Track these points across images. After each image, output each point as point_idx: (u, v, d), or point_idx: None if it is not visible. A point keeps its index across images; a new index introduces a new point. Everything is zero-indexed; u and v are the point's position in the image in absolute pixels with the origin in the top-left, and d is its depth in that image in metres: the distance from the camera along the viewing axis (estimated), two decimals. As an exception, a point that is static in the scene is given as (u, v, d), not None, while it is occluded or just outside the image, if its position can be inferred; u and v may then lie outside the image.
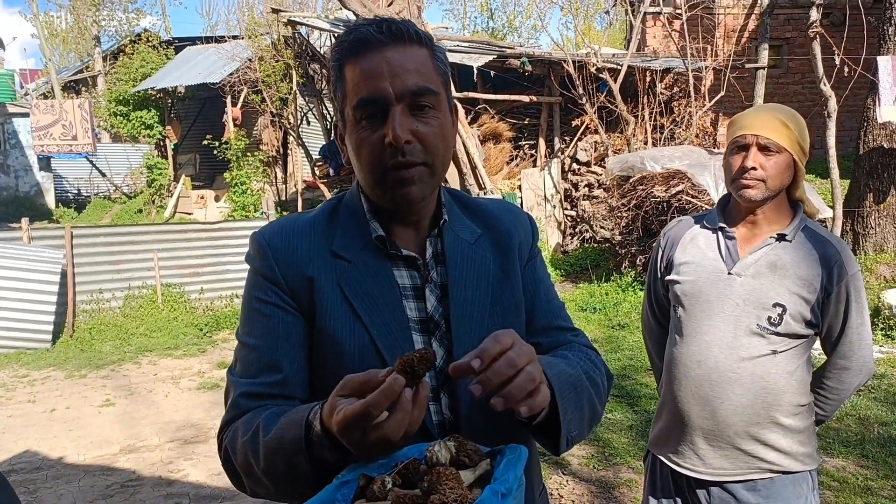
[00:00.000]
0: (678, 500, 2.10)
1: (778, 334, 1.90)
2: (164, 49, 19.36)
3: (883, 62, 7.59)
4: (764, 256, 1.93)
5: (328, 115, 14.23)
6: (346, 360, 1.13)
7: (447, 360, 1.17)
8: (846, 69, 7.91)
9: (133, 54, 18.77)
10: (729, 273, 1.96)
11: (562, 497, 3.98)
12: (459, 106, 10.65)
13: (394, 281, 1.17)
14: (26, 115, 17.88)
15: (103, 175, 20.64)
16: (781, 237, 1.94)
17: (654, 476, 2.17)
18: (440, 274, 1.20)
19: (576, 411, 1.07)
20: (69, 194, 20.35)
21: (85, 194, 20.55)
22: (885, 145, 7.93)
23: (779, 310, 1.89)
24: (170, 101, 17.93)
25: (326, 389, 1.14)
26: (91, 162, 20.19)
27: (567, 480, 4.17)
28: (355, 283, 1.16)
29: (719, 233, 2.02)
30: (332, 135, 13.60)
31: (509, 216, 1.32)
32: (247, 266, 1.24)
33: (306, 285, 1.16)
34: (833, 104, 7.80)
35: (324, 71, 13.88)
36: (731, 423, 1.93)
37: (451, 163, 8.48)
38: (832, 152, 7.83)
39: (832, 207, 7.80)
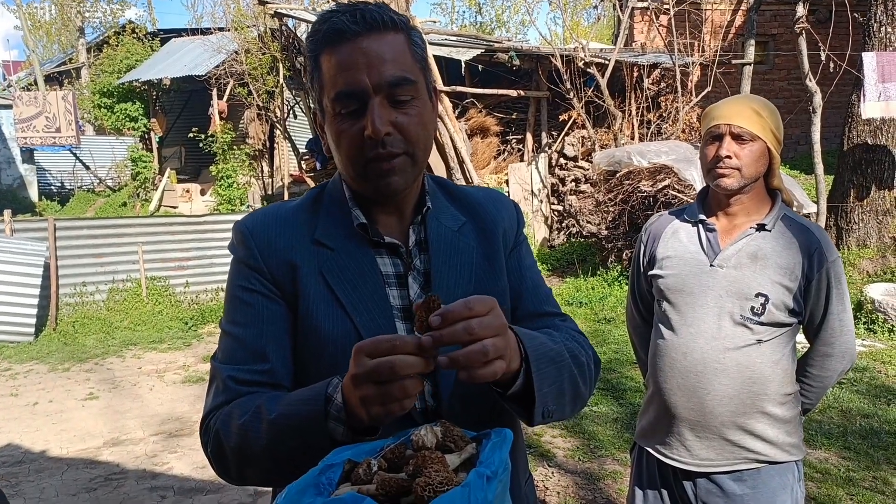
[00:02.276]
0: (664, 491, 2.11)
1: (762, 324, 1.91)
2: (149, 41, 19.23)
3: (868, 58, 7.64)
4: (745, 247, 1.95)
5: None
6: (329, 348, 1.13)
7: None
8: (832, 65, 7.97)
9: (117, 46, 18.64)
10: (711, 265, 1.97)
11: (547, 489, 3.99)
12: (445, 98, 10.66)
13: (377, 269, 1.16)
14: (9, 106, 17.67)
15: (87, 168, 20.47)
16: (761, 227, 1.95)
17: (641, 468, 2.18)
18: (423, 262, 1.20)
19: (553, 385, 1.06)
20: (52, 187, 20.16)
21: (69, 187, 20.37)
22: (868, 141, 8.00)
23: (761, 299, 1.90)
24: (155, 93, 17.80)
25: (308, 378, 1.13)
26: (75, 155, 20.02)
27: (553, 472, 4.18)
28: (338, 271, 1.15)
29: (700, 225, 2.04)
30: (313, 123, 13.54)
31: (494, 204, 1.32)
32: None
33: (289, 273, 1.15)
34: (818, 100, 7.86)
35: (311, 64, 13.80)
36: (718, 414, 1.94)
37: (439, 157, 8.46)
38: (817, 148, 7.88)
39: (816, 203, 7.86)
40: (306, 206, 1.23)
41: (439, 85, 10.64)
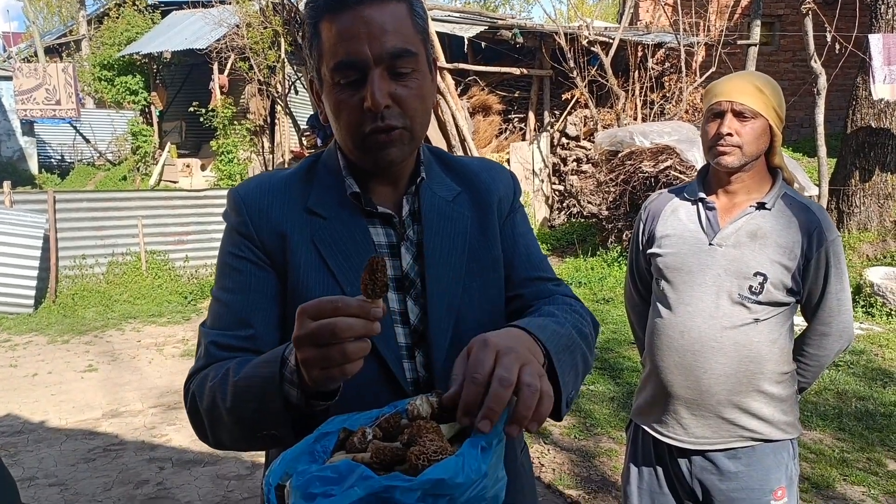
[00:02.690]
0: (659, 468, 2.12)
1: (760, 303, 1.90)
2: (149, 13, 19.03)
3: (874, 40, 7.58)
4: (744, 225, 1.94)
5: (316, 84, 14.06)
6: None
7: (422, 317, 1.16)
8: (837, 47, 7.90)
9: (118, 18, 18.45)
10: (710, 244, 1.96)
11: (543, 466, 4.02)
12: (448, 75, 10.59)
13: (369, 238, 1.16)
14: (9, 78, 17.56)
15: (87, 141, 20.38)
16: (761, 205, 1.94)
17: (636, 445, 2.18)
18: (417, 232, 1.19)
19: (571, 372, 1.05)
20: (52, 160, 20.09)
21: (68, 160, 20.30)
22: (872, 124, 7.96)
23: (760, 278, 1.89)
24: (155, 66, 17.67)
25: None
26: (75, 128, 19.92)
27: (548, 449, 4.21)
28: (330, 241, 1.14)
29: (699, 204, 2.02)
30: (310, 92, 13.46)
31: (489, 172, 1.31)
32: None
33: (280, 242, 1.15)
34: (823, 82, 7.80)
35: (312, 39, 13.68)
36: (714, 392, 1.95)
37: (441, 135, 8.42)
38: (820, 130, 7.84)
39: (818, 185, 7.83)
40: (301, 174, 1.22)
41: (442, 62, 10.57)
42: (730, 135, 1.89)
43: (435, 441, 0.85)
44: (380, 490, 0.75)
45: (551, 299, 1.24)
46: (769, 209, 1.94)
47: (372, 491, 0.75)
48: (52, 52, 22.63)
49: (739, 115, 1.90)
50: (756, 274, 1.90)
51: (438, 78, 9.24)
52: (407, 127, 1.10)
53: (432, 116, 1.19)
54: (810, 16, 7.98)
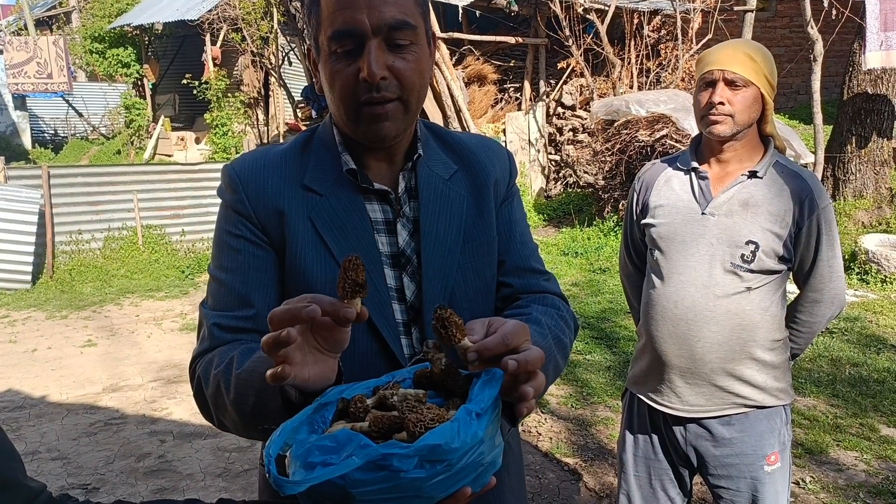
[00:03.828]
0: (654, 436, 2.15)
1: (752, 271, 1.92)
2: (140, -17, 18.75)
3: (871, 5, 7.50)
4: (736, 194, 1.95)
5: (310, 55, 13.93)
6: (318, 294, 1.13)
7: (418, 294, 1.17)
8: (834, 12, 7.82)
9: (108, -11, 18.19)
10: (703, 213, 1.98)
11: (540, 434, 4.07)
12: (443, 45, 10.50)
13: (366, 215, 1.16)
14: (-1, 52, 17.38)
15: (80, 115, 20.21)
16: (753, 174, 1.95)
17: (632, 413, 2.22)
18: (413, 209, 1.19)
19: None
20: (46, 135, 19.93)
21: (62, 135, 20.14)
22: (868, 91, 7.92)
23: (751, 247, 1.91)
24: (147, 38, 17.48)
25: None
26: (67, 101, 19.74)
27: (545, 418, 4.26)
28: (326, 217, 1.14)
29: (692, 173, 2.04)
30: (307, 61, 13.34)
31: (487, 152, 1.30)
32: None
33: (277, 219, 1.15)
34: (819, 48, 7.74)
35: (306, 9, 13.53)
36: (708, 361, 1.97)
37: (436, 105, 8.35)
38: (816, 97, 7.79)
39: (814, 153, 7.82)
40: (296, 149, 1.21)
41: (436, 32, 10.46)
42: (721, 103, 1.90)
43: (432, 409, 0.86)
44: (377, 458, 0.76)
45: (540, 298, 1.25)
46: (761, 178, 1.95)
47: (370, 458, 0.76)
48: (42, 24, 22.33)
49: (731, 83, 1.90)
50: (748, 242, 1.92)
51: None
52: (402, 99, 1.09)
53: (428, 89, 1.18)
54: (808, -19, 7.89)
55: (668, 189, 2.08)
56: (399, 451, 0.77)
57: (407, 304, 1.17)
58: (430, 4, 1.16)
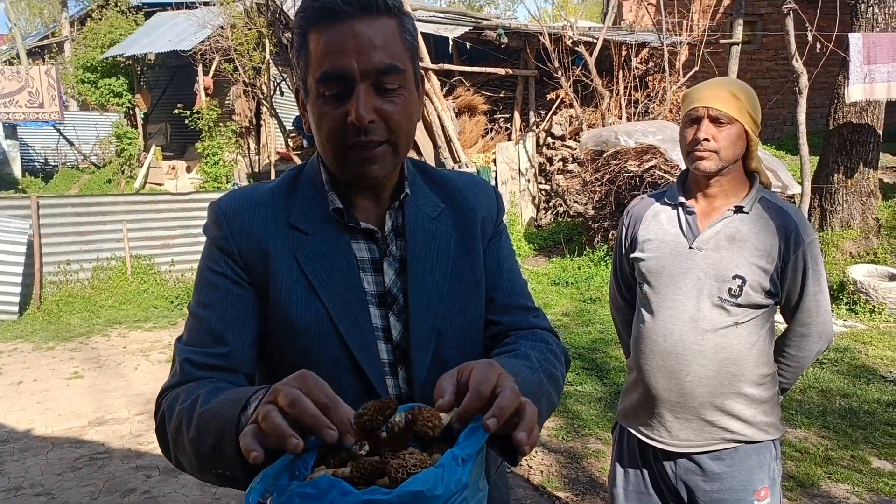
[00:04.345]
0: (645, 470, 2.14)
1: (739, 305, 1.93)
2: (132, 14, 18.88)
3: (854, 39, 7.64)
4: (723, 229, 1.97)
5: (302, 86, 14.02)
6: (302, 334, 1.12)
7: (404, 333, 1.16)
8: (819, 46, 7.96)
9: (101, 20, 18.30)
10: (690, 247, 1.99)
11: (531, 468, 4.03)
12: (433, 76, 10.59)
13: (352, 254, 1.15)
14: (-9, 81, 17.39)
15: (71, 144, 20.22)
16: (739, 209, 1.98)
17: (622, 447, 2.21)
18: (400, 247, 1.19)
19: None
20: (36, 163, 19.91)
21: (52, 164, 20.12)
22: (853, 122, 8.03)
23: (738, 281, 1.92)
24: (139, 68, 17.55)
25: (281, 363, 1.13)
26: (58, 130, 19.76)
27: (536, 451, 4.22)
28: (312, 256, 1.14)
29: (680, 208, 2.06)
30: (296, 100, 13.41)
31: (474, 190, 1.30)
32: None
33: (261, 258, 1.14)
34: (804, 80, 7.86)
35: (297, 40, 13.62)
36: (697, 395, 1.97)
37: (427, 136, 8.42)
38: (802, 129, 7.90)
39: (801, 183, 7.89)
40: (283, 187, 1.21)
41: (427, 63, 10.56)
42: (707, 140, 1.93)
43: (415, 454, 0.85)
44: None
45: (530, 334, 1.24)
46: (747, 213, 1.97)
47: None
48: (35, 54, 22.43)
49: (716, 120, 1.93)
50: (735, 277, 1.93)
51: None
52: (391, 141, 1.09)
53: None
54: (791, 15, 8.04)
55: (655, 223, 2.10)
56: (381, 497, 0.75)
57: (393, 343, 1.16)
58: (418, 47, 1.17)
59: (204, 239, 1.22)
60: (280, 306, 1.13)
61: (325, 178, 1.19)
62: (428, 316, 1.16)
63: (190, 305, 1.19)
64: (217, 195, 10.20)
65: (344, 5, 1.04)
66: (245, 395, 0.96)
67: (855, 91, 7.60)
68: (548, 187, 11.27)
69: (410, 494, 0.76)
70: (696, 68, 10.21)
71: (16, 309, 7.99)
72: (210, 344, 1.12)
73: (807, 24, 8.02)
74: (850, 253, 7.87)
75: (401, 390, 1.15)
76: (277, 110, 14.94)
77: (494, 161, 11.19)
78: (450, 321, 1.18)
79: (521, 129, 11.67)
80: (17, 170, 18.48)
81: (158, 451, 4.45)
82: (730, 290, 1.93)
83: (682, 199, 2.06)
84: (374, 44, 1.05)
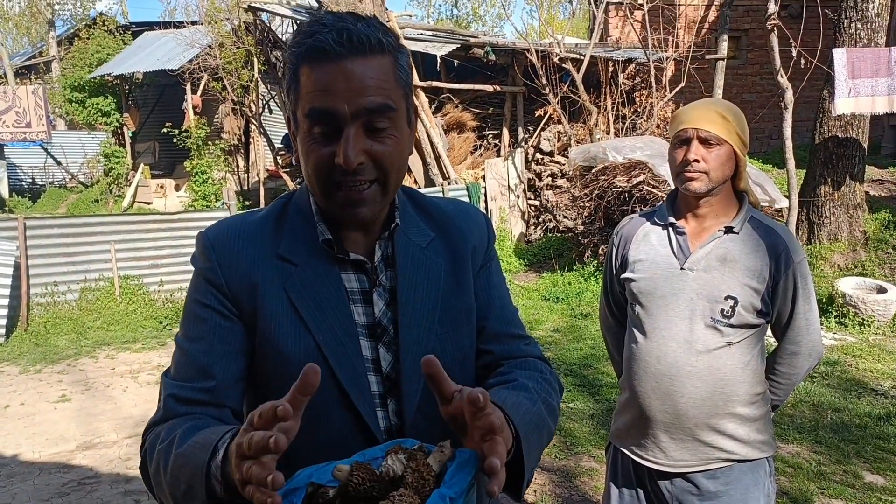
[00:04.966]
0: (640, 490, 2.14)
1: (732, 326, 1.94)
2: (120, 34, 18.91)
3: (838, 55, 7.74)
4: (714, 250, 1.98)
5: (290, 104, 14.05)
6: (291, 366, 1.10)
7: (394, 365, 1.15)
8: (803, 61, 8.05)
9: (88, 39, 18.31)
10: (681, 268, 1.99)
11: (524, 487, 4.01)
12: (422, 93, 10.63)
13: (341, 285, 1.15)
14: (-23, 101, 17.31)
15: (58, 163, 20.13)
16: (729, 230, 1.99)
17: (616, 467, 2.20)
18: (389, 278, 1.18)
19: (536, 451, 1.05)
20: (23, 183, 19.79)
21: (40, 183, 20.01)
22: (839, 136, 8.11)
23: (731, 302, 1.93)
24: (127, 87, 17.55)
25: (269, 396, 1.11)
26: (46, 150, 19.66)
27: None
28: (301, 288, 1.13)
29: (670, 229, 2.06)
30: (287, 127, 13.44)
31: (465, 218, 1.29)
32: None
33: (250, 290, 1.13)
34: (790, 96, 7.94)
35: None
36: (691, 416, 1.97)
37: (416, 153, 8.43)
38: (788, 143, 7.97)
39: (788, 197, 7.95)
40: (271, 219, 1.20)
41: (415, 80, 10.61)
42: (697, 161, 1.94)
43: (405, 496, 0.84)
44: None
45: (522, 363, 1.24)
46: (737, 233, 1.98)
47: None
48: (22, 74, 22.40)
49: (705, 141, 1.94)
50: (727, 297, 1.94)
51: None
52: (380, 181, 1.08)
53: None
54: (775, 31, 8.13)
55: (646, 244, 2.10)
56: None
57: (383, 375, 1.15)
58: (412, 81, 1.16)
59: None
60: (269, 338, 1.12)
61: (314, 208, 1.18)
62: (418, 346, 1.15)
63: (177, 338, 1.18)
64: (206, 214, 10.18)
65: (337, 45, 1.02)
66: (214, 438, 0.96)
67: (841, 105, 7.69)
68: (537, 203, 11.31)
69: None
70: (682, 84, 10.31)
71: (2, 331, 7.90)
72: (196, 378, 1.11)
73: (791, 40, 8.11)
74: (839, 266, 7.92)
75: (391, 423, 1.14)
76: (266, 128, 14.95)
77: (483, 177, 11.22)
78: (440, 350, 1.16)
79: (509, 146, 11.72)
80: (3, 190, 18.36)
81: (147, 475, 4.41)
82: (722, 310, 1.94)
83: (672, 220, 2.06)
84: (366, 84, 1.03)
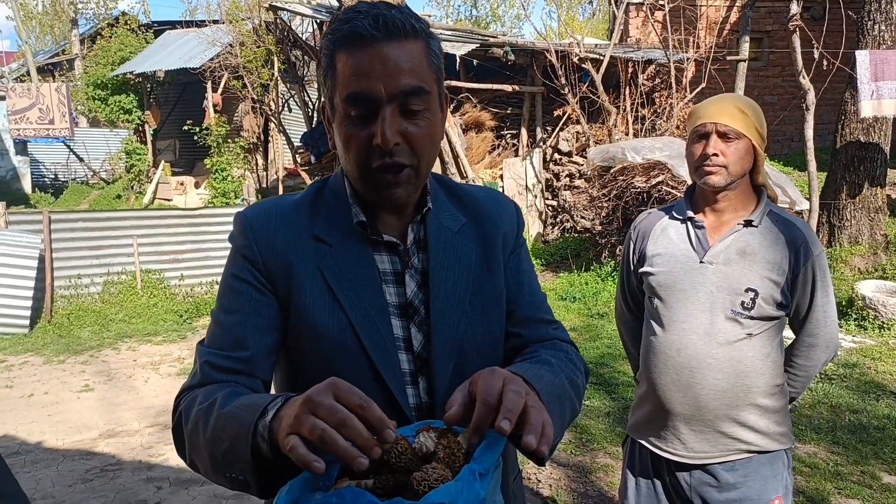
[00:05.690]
0: (657, 482, 2.15)
1: (752, 318, 1.95)
2: (142, 33, 19.14)
3: (861, 56, 7.68)
4: (733, 243, 1.99)
5: (310, 103, 14.15)
6: (325, 343, 1.14)
7: (425, 345, 1.18)
8: (825, 63, 8.01)
9: (111, 38, 18.54)
10: (701, 262, 2.01)
11: (539, 481, 4.04)
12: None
13: (374, 266, 1.18)
14: (2, 97, 17.59)
15: (81, 160, 20.40)
16: (748, 223, 2.00)
17: (634, 460, 2.21)
18: (421, 260, 1.21)
19: (559, 421, 1.07)
20: (46, 179, 20.08)
21: (62, 179, 20.30)
22: (861, 139, 8.05)
23: (751, 294, 1.94)
24: (149, 85, 17.76)
25: (303, 373, 1.16)
26: (68, 147, 19.95)
27: (545, 465, 4.22)
28: (335, 267, 1.16)
29: (688, 223, 2.07)
30: (317, 119, 13.53)
31: (495, 205, 1.32)
32: (227, 252, 1.25)
33: (285, 268, 1.16)
34: (811, 97, 7.90)
35: (305, 58, 13.79)
36: (712, 408, 1.99)
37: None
38: (810, 145, 7.93)
39: (809, 199, 7.91)
40: (308, 200, 1.23)
41: (444, 84, 10.64)
42: (715, 155, 1.95)
43: (437, 468, 0.87)
44: None
45: (550, 344, 1.27)
46: (756, 226, 1.99)
47: None
48: (45, 71, 22.70)
49: (724, 135, 1.96)
50: (747, 290, 1.95)
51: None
52: (414, 166, 1.11)
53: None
54: (797, 32, 8.10)
55: (664, 238, 2.12)
56: None
57: (414, 354, 1.18)
58: (443, 68, 1.19)
59: (214, 252, 1.25)
60: (304, 315, 1.15)
61: (349, 191, 1.21)
62: (449, 327, 1.18)
63: (213, 311, 1.22)
64: (226, 210, 10.29)
65: (373, 30, 1.06)
66: (264, 401, 0.98)
67: (865, 107, 7.63)
68: (555, 203, 11.31)
69: None
70: (702, 85, 10.26)
71: (27, 322, 8.04)
72: (231, 348, 1.15)
73: (813, 42, 8.07)
74: (859, 269, 7.86)
75: (421, 400, 1.17)
76: (285, 126, 15.05)
77: (501, 177, 11.24)
78: (471, 333, 1.20)
79: (527, 146, 11.73)
80: (27, 185, 18.65)
81: (169, 463, 4.48)
82: (742, 303, 1.95)
83: (690, 214, 2.07)
84: (401, 67, 1.07)
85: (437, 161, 10.64)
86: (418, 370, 1.18)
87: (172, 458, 4.58)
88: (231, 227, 1.25)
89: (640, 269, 2.16)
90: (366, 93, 1.07)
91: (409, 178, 1.12)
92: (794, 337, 2.10)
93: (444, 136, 10.34)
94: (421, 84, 1.09)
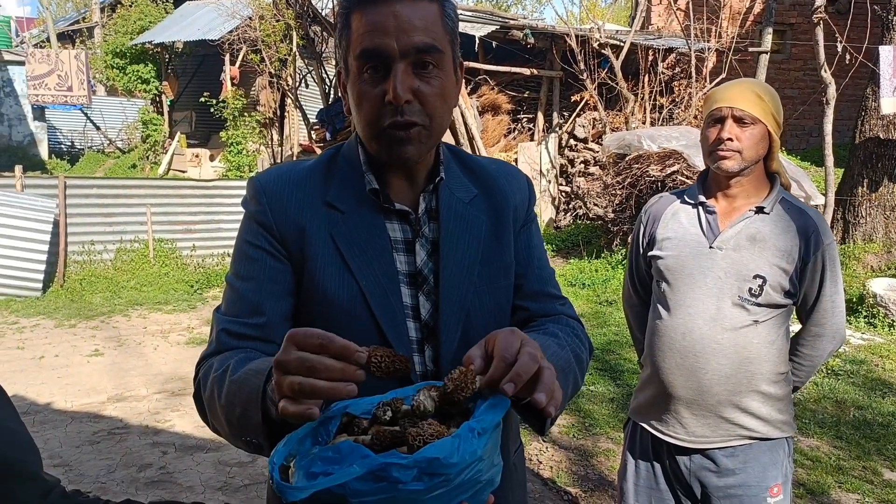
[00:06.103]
0: (657, 465, 2.16)
1: (759, 305, 1.95)
2: (162, 2, 19.11)
3: (885, 52, 7.57)
4: (744, 229, 1.98)
5: (327, 79, 14.11)
6: (335, 309, 1.15)
7: (433, 313, 1.19)
8: (848, 57, 7.91)
9: (131, 6, 18.52)
10: (710, 247, 2.01)
11: (541, 463, 4.06)
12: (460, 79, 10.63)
13: (385, 234, 1.18)
14: (22, 63, 17.66)
15: (97, 128, 20.47)
16: (760, 210, 1.99)
17: (634, 441, 2.22)
18: (432, 230, 1.21)
19: (562, 392, 1.08)
20: (62, 146, 20.20)
21: (79, 146, 20.41)
22: (881, 136, 7.96)
23: (759, 281, 1.94)
24: (167, 56, 17.76)
25: None
26: (86, 114, 20.01)
27: (547, 447, 4.25)
28: (347, 234, 1.17)
29: (700, 207, 2.07)
30: (333, 96, 13.51)
31: (507, 178, 1.32)
32: (239, 224, 1.25)
33: (298, 234, 1.17)
34: (832, 91, 7.81)
35: (324, 34, 13.73)
36: (715, 393, 1.99)
37: (449, 133, 8.46)
38: (828, 139, 7.85)
39: (825, 195, 7.85)
40: (321, 167, 1.24)
41: (458, 50, 10.60)
42: (730, 139, 1.94)
43: (433, 425, 0.88)
44: (377, 468, 0.78)
45: (556, 319, 1.28)
46: (768, 213, 1.98)
47: (370, 469, 0.78)
48: (65, 38, 22.71)
49: (739, 120, 1.94)
50: (756, 276, 1.95)
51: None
52: (426, 125, 1.11)
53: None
54: (821, 25, 7.99)
55: (675, 222, 2.11)
56: (398, 461, 0.78)
57: (421, 322, 1.19)
58: (458, 33, 1.19)
59: (226, 224, 1.26)
60: (315, 281, 1.17)
61: (362, 158, 1.22)
62: (457, 297, 1.19)
63: (228, 276, 1.23)
64: (240, 183, 10.31)
65: None
66: (268, 364, 0.99)
67: (886, 104, 7.54)
68: (568, 189, 11.27)
69: (427, 460, 0.79)
70: (723, 75, 10.14)
71: (40, 286, 8.13)
72: (247, 314, 1.16)
73: (836, 36, 7.97)
74: (872, 266, 7.81)
75: (427, 368, 1.19)
76: (302, 102, 15.02)
77: (516, 161, 11.21)
78: (478, 303, 1.21)
79: (543, 130, 11.68)
80: (43, 151, 18.76)
81: (175, 429, 4.55)
82: (750, 289, 1.95)
83: (702, 199, 2.07)
84: (415, 24, 1.08)
85: (453, 142, 10.64)
86: (425, 338, 1.19)
87: (179, 425, 4.64)
88: None
89: (650, 253, 2.15)
90: (379, 48, 1.07)
91: (419, 136, 1.12)
92: (800, 326, 2.10)
93: (461, 118, 10.36)
94: (434, 42, 1.10)
